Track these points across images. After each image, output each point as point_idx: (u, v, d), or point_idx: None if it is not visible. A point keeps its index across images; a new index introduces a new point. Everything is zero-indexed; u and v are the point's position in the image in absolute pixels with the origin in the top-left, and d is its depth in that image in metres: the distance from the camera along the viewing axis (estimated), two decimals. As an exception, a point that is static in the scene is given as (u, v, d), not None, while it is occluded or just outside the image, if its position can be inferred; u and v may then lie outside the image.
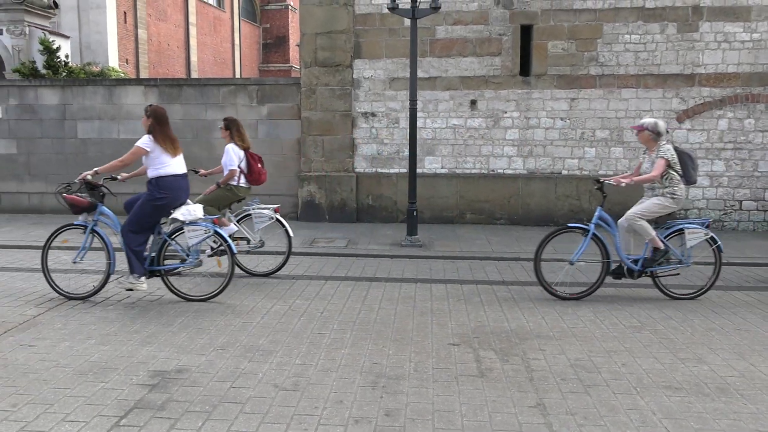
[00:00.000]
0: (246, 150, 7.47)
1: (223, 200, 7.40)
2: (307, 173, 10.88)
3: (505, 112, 10.63)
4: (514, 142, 10.70)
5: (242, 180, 7.40)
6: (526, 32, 10.67)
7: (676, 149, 6.46)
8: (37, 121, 11.29)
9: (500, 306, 6.16)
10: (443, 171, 10.76)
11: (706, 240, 6.42)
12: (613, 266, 6.50)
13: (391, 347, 4.93)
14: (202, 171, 7.83)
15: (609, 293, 6.70)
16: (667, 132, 7.02)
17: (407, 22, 9.76)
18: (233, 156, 7.32)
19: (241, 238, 7.35)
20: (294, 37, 53.05)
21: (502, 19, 10.56)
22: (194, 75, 42.67)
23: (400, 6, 9.00)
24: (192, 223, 6.08)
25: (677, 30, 10.43)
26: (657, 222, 6.54)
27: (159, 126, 6.18)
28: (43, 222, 10.53)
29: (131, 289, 6.16)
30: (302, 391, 4.08)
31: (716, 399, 4.03)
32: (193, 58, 44.54)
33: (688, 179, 6.48)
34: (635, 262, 6.46)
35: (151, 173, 6.09)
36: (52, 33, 25.05)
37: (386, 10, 10.02)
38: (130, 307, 5.91)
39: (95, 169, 6.18)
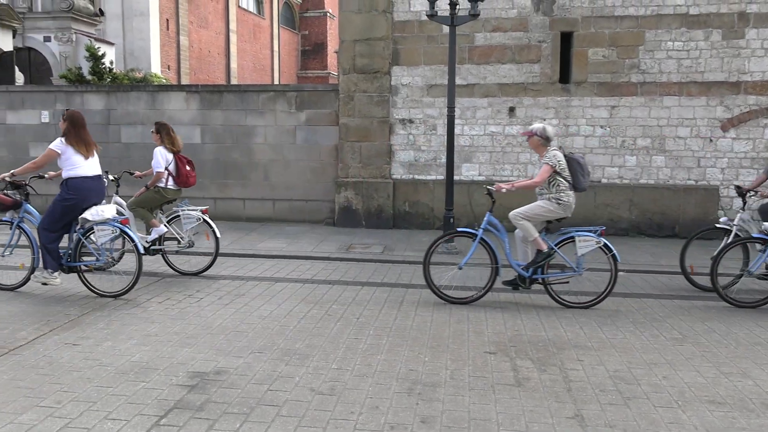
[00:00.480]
0: (175, 153, 7.69)
1: (152, 201, 7.65)
2: (344, 179, 10.94)
3: (544, 120, 10.54)
4: (553, 149, 10.61)
5: (170, 182, 7.62)
6: (566, 39, 10.58)
7: (566, 156, 6.39)
8: (82, 125, 11.59)
9: (537, 314, 6.10)
10: (480, 178, 10.71)
11: (600, 248, 6.28)
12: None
13: (427, 354, 4.92)
14: (137, 173, 8.25)
15: (649, 304, 6.59)
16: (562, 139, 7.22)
17: (446, 29, 9.76)
18: (160, 159, 7.58)
19: (172, 238, 7.62)
20: (332, 44, 53.48)
21: (542, 26, 10.49)
22: (234, 81, 43.32)
23: (439, 13, 9.01)
24: (101, 222, 6.34)
25: (722, 37, 10.23)
26: (549, 229, 6.51)
27: (74, 129, 6.42)
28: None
29: (45, 284, 6.44)
30: (338, 396, 4.10)
31: (761, 415, 3.93)
32: (233, 64, 45.23)
33: (577, 186, 6.38)
34: (526, 269, 6.41)
35: (64, 174, 6.37)
36: (97, 40, 25.73)
37: (425, 18, 10.04)
38: (170, 309, 6.02)
39: (11, 171, 6.60)
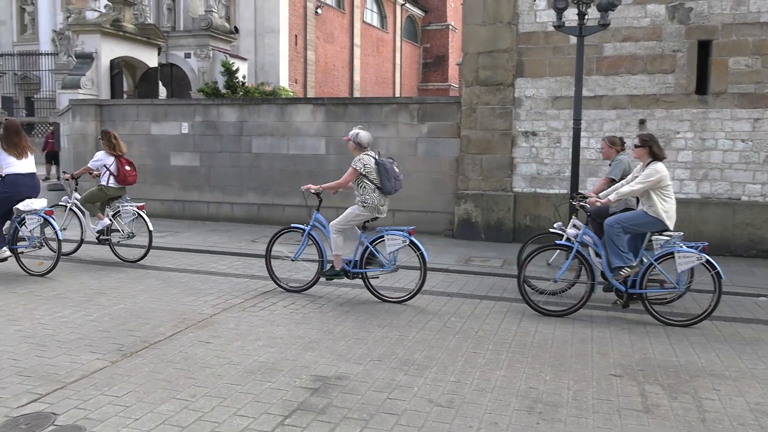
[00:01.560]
0: (117, 156, 8.72)
1: (96, 198, 8.77)
2: (464, 191, 10.90)
3: (678, 133, 10.00)
4: (687, 164, 10.03)
5: (111, 181, 8.70)
6: (703, 48, 9.99)
7: (376, 160, 6.72)
8: (218, 136, 12.30)
9: (667, 338, 5.77)
10: (606, 193, 10.32)
11: (409, 246, 6.63)
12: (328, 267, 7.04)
13: (549, 372, 4.79)
14: (66, 175, 9.30)
15: (796, 333, 6.06)
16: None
17: (573, 39, 9.52)
18: (97, 160, 8.81)
19: (115, 230, 8.70)
20: (453, 56, 53.55)
21: (677, 34, 9.97)
22: (356, 94, 44.41)
23: (567, 24, 8.80)
24: (30, 212, 7.67)
25: None
26: (365, 227, 6.92)
27: (6, 136, 7.67)
28: (218, 229, 11.42)
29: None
30: (457, 409, 4.08)
31: None
32: (356, 77, 46.39)
33: (383, 189, 6.73)
34: (349, 263, 6.88)
35: (2, 172, 7.61)
36: (232, 56, 27.25)
37: (551, 29, 9.83)
38: (294, 313, 6.24)
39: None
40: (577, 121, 8.67)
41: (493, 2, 10.62)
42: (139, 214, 8.55)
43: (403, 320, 6.09)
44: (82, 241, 8.84)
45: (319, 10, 41.06)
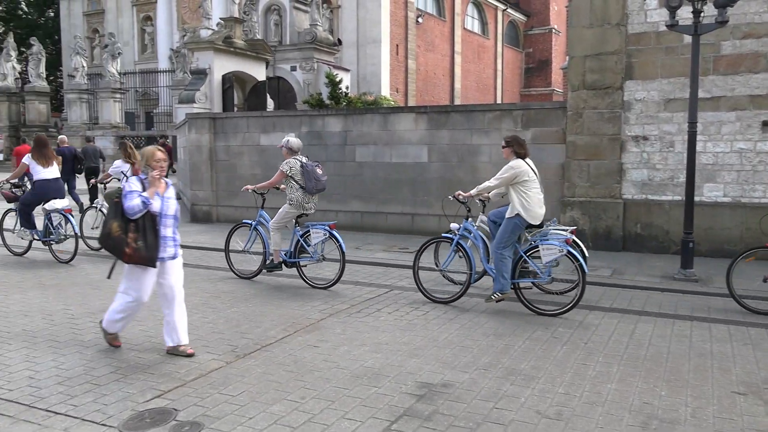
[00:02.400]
0: (132, 164, 9.27)
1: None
2: (570, 198, 10.61)
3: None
4: (817, 168, 9.30)
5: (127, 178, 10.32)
6: (836, 42, 9.24)
7: (302, 164, 7.69)
8: (322, 146, 12.63)
9: (797, 355, 5.37)
10: (725, 200, 9.73)
11: (330, 239, 7.54)
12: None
13: (664, 388, 4.58)
14: (93, 180, 11.36)
15: None
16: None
17: (687, 39, 9.08)
18: (116, 167, 10.13)
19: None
20: (557, 61, 52.36)
21: (805, 29, 9.28)
22: (457, 101, 44.31)
23: (681, 23, 8.40)
24: (52, 210, 9.29)
25: None
26: (298, 222, 7.92)
27: (37, 148, 9.45)
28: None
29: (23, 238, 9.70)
30: (566, 422, 3.98)
31: None
32: (457, 85, 46.29)
33: (305, 188, 7.67)
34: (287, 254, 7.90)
35: (33, 178, 9.43)
36: (335, 67, 27.93)
37: (663, 28, 9.42)
38: (399, 320, 6.29)
39: (6, 178, 10.05)
40: (692, 123, 8.25)
41: (600, 3, 10.31)
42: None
43: (509, 329, 6.01)
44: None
45: (420, 20, 41.37)
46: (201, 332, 5.84)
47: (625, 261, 9.42)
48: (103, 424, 3.93)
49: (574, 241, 6.70)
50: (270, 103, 23.94)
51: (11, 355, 5.18)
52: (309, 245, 7.77)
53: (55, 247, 9.64)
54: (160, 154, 5.17)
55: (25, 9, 56.77)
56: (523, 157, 6.78)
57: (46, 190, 9.41)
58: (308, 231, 7.75)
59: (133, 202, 5.00)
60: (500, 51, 51.58)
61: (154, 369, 4.88)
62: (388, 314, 6.52)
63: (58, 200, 9.38)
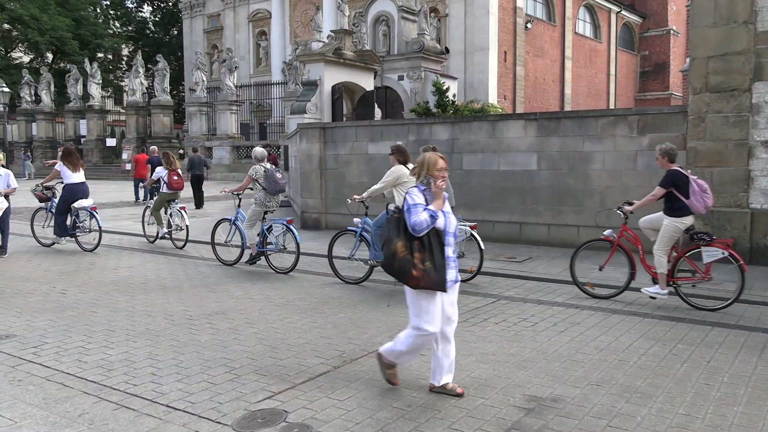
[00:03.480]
0: (170, 170, 12.07)
1: (159, 204, 12.16)
2: (690, 208, 10.02)
3: None
4: None
5: (165, 188, 12.04)
6: None
7: (265, 169, 9.40)
8: (429, 154, 12.64)
9: None
10: None
11: (288, 231, 9.06)
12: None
13: (800, 414, 4.20)
14: (147, 182, 13.37)
15: None
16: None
17: (826, 35, 8.36)
18: (158, 173, 12.26)
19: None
20: (675, 63, 49.88)
21: None
22: (567, 107, 43.13)
23: (818, 17, 7.75)
24: (81, 209, 11.32)
25: None
26: (264, 218, 9.55)
27: (67, 156, 11.36)
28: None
29: (55, 244, 11.63)
30: (688, 445, 3.73)
31: None
32: (567, 90, 45.09)
33: (268, 189, 9.36)
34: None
35: (64, 182, 11.33)
36: (442, 76, 27.93)
37: (798, 24, 8.73)
38: (506, 331, 6.16)
39: (40, 182, 11.96)
40: (832, 127, 7.57)
41: (726, 1, 9.68)
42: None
43: (623, 344, 5.73)
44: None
45: (529, 25, 40.66)
46: (310, 336, 5.97)
47: (753, 275, 8.74)
48: (218, 422, 4.09)
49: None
50: (377, 113, 24.27)
51: (136, 353, 5.51)
52: (269, 236, 9.32)
53: (81, 239, 11.60)
54: (443, 162, 4.52)
55: (152, 28, 60.87)
56: (404, 164, 8.20)
57: (74, 192, 11.31)
58: (270, 227, 9.30)
59: (420, 217, 4.29)
60: (613, 55, 49.74)
61: (265, 371, 5.03)
62: (494, 324, 6.40)
63: (84, 200, 11.42)
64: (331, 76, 22.81)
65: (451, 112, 22.88)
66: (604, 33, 48.97)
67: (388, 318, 6.64)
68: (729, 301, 6.95)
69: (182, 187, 12.33)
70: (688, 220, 7.18)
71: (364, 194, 8.47)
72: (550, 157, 11.27)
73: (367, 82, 24.43)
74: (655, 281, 7.22)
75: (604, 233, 7.79)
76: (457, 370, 4.99)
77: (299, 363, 5.21)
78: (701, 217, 9.74)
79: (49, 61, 49.29)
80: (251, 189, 9.77)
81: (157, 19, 61.44)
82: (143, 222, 12.70)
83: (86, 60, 40.68)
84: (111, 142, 39.86)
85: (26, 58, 50.54)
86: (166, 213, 12.10)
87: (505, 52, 38.88)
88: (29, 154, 38.99)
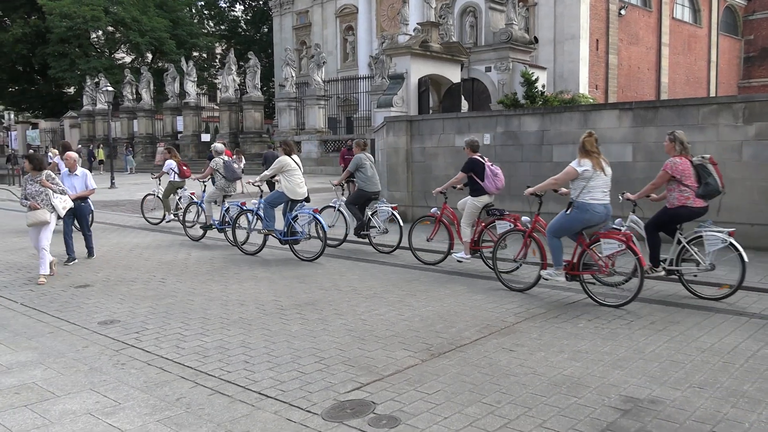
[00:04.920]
0: (179, 164, 14.19)
1: (169, 191, 14.19)
2: (802, 201, 9.34)
3: None
4: None
5: (176, 177, 14.06)
6: None
7: (224, 161, 11.63)
8: (518, 146, 12.38)
9: None
10: None
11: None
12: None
13: None
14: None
15: None
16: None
17: None
18: (168, 166, 14.24)
19: (373, 227, 10.47)
20: (784, 47, 46.76)
21: None
22: (663, 96, 41.32)
23: None
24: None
25: None
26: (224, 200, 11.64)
27: (63, 152, 11.99)
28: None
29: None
30: (803, 456, 3.47)
31: None
32: (664, 79, 43.17)
33: (227, 178, 11.55)
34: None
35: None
36: (531, 66, 27.32)
37: None
38: (600, 329, 5.94)
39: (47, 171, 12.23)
40: None
41: None
42: (393, 214, 10.16)
43: (728, 345, 5.40)
44: (345, 237, 10.84)
45: (622, 11, 39.14)
46: (397, 329, 5.97)
47: None
48: (308, 411, 4.15)
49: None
50: (464, 105, 24.02)
51: (230, 340, 5.68)
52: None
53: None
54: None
55: (244, 27, 62.73)
56: (289, 154, 10.05)
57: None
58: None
59: None
60: (714, 40, 47.12)
61: (353, 362, 5.07)
62: (587, 321, 6.19)
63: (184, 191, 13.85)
64: (417, 69, 22.74)
65: (540, 103, 22.36)
66: (704, 17, 46.48)
67: (475, 312, 6.55)
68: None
69: (189, 176, 14.24)
70: (485, 199, 8.73)
71: (257, 178, 10.59)
72: (647, 149, 10.78)
73: (453, 74, 24.20)
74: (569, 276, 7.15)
75: (431, 210, 9.45)
76: (549, 368, 4.86)
77: (387, 355, 5.22)
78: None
79: (149, 61, 51.73)
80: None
81: (248, 17, 63.25)
82: (142, 209, 14.89)
83: (183, 59, 42.39)
84: (205, 137, 41.37)
85: (128, 59, 53.23)
86: (174, 195, 14.18)
87: (597, 40, 37.59)
88: (131, 149, 41.05)
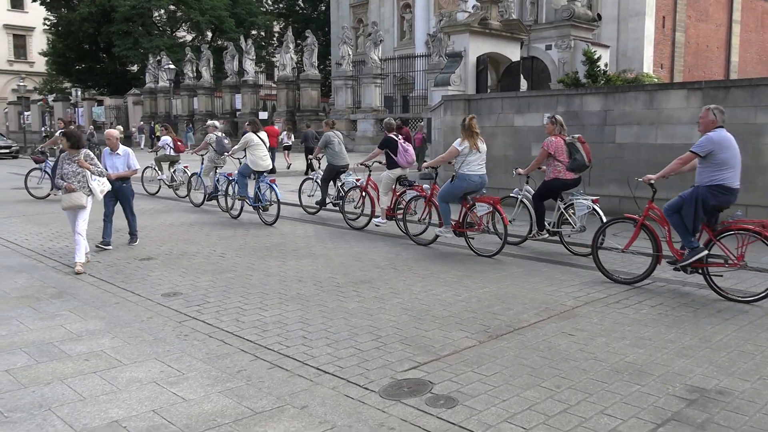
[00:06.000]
0: (174, 140, 16.65)
1: (162, 159, 16.47)
2: None
3: None
4: None
5: (171, 151, 16.43)
6: None
7: (217, 137, 13.45)
8: (579, 126, 12.04)
9: None
10: None
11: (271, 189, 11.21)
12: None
13: None
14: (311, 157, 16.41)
15: None
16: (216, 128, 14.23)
17: None
18: (163, 141, 16.71)
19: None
20: None
21: None
22: (733, 76, 39.68)
23: None
24: (261, 181, 11.66)
25: None
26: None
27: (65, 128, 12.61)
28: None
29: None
30: None
31: None
32: (734, 58, 41.40)
33: (218, 151, 13.37)
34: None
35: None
36: (593, 44, 26.54)
37: None
38: (664, 315, 5.77)
39: (40, 147, 16.63)
40: None
41: None
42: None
43: (801, 337, 5.18)
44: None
45: (691, -13, 37.55)
46: (454, 309, 5.94)
47: None
48: (365, 388, 4.17)
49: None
50: (523, 84, 23.54)
51: (288, 315, 5.76)
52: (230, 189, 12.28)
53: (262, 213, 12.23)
54: None
55: (301, 5, 62.88)
56: (255, 132, 11.47)
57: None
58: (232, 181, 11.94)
59: None
60: (791, 17, 44.79)
61: (410, 341, 5.07)
62: (650, 307, 6.02)
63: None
64: (476, 47, 22.37)
65: (602, 82, 21.71)
66: (780, -8, 44.20)
67: (534, 295, 6.46)
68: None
69: (183, 150, 17.03)
70: (397, 171, 10.36)
71: (229, 152, 13.00)
72: (717, 130, 10.34)
73: (513, 52, 23.71)
74: (458, 233, 8.75)
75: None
76: (610, 354, 4.76)
77: (444, 335, 5.20)
78: None
79: (209, 39, 52.49)
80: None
81: (306, -5, 63.41)
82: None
83: (241, 37, 42.85)
84: (263, 115, 41.86)
85: (189, 37, 54.15)
86: (169, 170, 16.23)
87: (664, 18, 36.22)
88: (191, 126, 41.93)
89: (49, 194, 14.79)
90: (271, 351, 4.85)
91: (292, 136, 25.22)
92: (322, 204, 12.21)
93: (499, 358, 4.68)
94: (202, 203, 13.50)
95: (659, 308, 5.98)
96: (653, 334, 5.23)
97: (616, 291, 6.60)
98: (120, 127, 20.84)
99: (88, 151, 7.98)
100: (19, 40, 64.06)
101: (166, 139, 16.75)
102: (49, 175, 14.87)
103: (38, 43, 60.86)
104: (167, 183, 16.08)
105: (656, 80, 27.49)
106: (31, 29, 62.80)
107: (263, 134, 11.64)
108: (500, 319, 5.63)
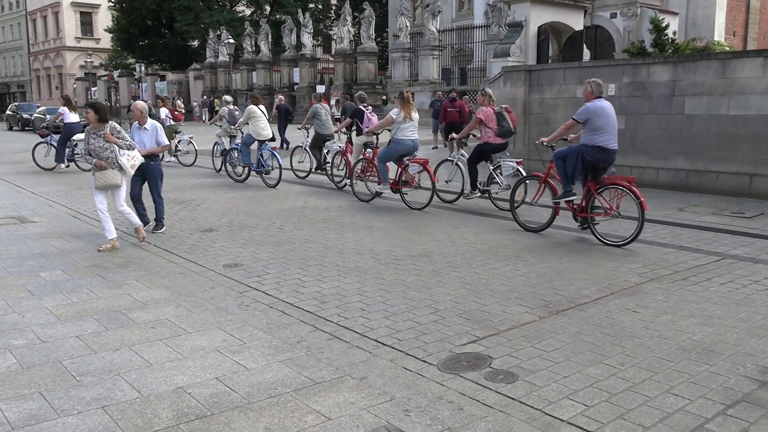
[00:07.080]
0: (170, 109, 18.17)
1: (168, 133, 12.96)
2: None
3: None
4: None
5: (170, 121, 17.25)
6: None
7: (229, 110, 15.38)
8: (645, 97, 11.64)
9: None
10: None
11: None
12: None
13: None
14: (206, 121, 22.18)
15: None
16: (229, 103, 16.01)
17: None
18: (161, 112, 17.61)
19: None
20: None
21: None
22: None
23: None
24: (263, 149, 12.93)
25: None
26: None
27: (67, 103, 15.65)
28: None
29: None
30: None
31: None
32: (814, 24, 39.02)
33: (231, 123, 15.09)
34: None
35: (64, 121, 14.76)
36: (661, 11, 25.54)
37: None
38: (733, 293, 5.55)
39: (46, 123, 18.53)
40: None
41: None
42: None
43: None
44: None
45: (769, -51, 35.53)
46: (513, 284, 5.86)
47: None
48: (423, 361, 4.16)
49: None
50: (586, 54, 22.86)
51: (346, 287, 5.80)
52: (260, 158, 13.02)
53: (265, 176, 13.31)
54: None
55: (360, -24, 62.45)
56: (256, 104, 12.66)
57: (73, 129, 15.16)
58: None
59: None
60: None
61: (469, 315, 5.03)
62: (719, 285, 5.80)
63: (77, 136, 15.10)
64: (537, 17, 21.81)
65: (670, 51, 20.88)
66: None
67: (595, 270, 6.31)
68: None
69: (181, 119, 18.71)
70: (363, 138, 11.52)
71: (234, 125, 14.88)
72: (793, 100, 9.83)
73: (576, 21, 23.01)
74: (394, 189, 10.30)
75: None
76: (677, 332, 4.62)
77: (503, 310, 5.14)
78: None
79: (267, 14, 52.80)
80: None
81: (363, -33, 62.90)
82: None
83: (299, 11, 42.94)
84: (321, 88, 41.99)
85: (247, 12, 54.59)
86: (173, 138, 16.84)
87: (738, -18, 34.45)
88: (248, 100, 42.46)
89: (54, 167, 15.73)
90: (330, 322, 4.89)
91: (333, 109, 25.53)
92: (319, 167, 13.74)
93: (560, 334, 4.60)
94: (221, 168, 14.61)
95: (728, 286, 5.75)
96: (723, 312, 5.04)
97: (683, 268, 6.38)
98: (180, 102, 21.48)
99: (115, 123, 7.44)
100: (86, 17, 65.85)
101: (164, 110, 17.93)
102: (55, 147, 16.00)
103: (104, 19, 62.36)
104: (171, 152, 16.97)
105: (728, 48, 26.26)
106: (97, 6, 64.42)
107: (263, 107, 12.97)
108: (561, 295, 5.52)
